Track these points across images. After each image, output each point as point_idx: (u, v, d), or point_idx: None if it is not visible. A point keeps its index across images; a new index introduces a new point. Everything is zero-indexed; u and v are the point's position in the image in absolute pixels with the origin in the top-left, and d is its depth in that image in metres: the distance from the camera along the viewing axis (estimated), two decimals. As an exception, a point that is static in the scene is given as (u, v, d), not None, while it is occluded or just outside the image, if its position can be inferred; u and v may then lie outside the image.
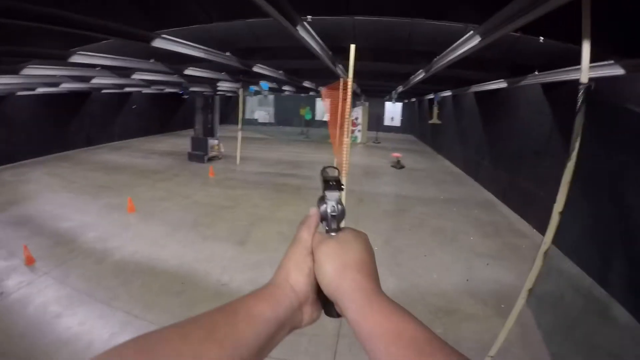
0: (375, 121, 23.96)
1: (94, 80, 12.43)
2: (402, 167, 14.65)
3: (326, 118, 17.94)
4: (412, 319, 0.61)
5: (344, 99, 7.51)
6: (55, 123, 15.31)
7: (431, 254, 7.07)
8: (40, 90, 12.73)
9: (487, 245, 7.57)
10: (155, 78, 12.80)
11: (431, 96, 17.26)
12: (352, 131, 19.28)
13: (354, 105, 18.78)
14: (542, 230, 7.38)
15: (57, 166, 13.22)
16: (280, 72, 11.83)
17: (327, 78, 11.44)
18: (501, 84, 9.49)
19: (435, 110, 16.31)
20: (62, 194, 9.96)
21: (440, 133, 18.70)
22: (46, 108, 14.71)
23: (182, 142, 14.71)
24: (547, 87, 8.33)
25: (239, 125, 14.23)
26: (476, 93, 12.94)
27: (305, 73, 12.75)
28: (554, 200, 3.53)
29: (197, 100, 14.42)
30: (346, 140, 6.94)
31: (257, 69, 9.52)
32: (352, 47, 5.73)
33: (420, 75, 8.64)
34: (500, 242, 7.74)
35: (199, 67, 11.10)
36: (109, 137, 18.66)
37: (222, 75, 12.99)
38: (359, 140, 21.10)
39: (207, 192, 10.49)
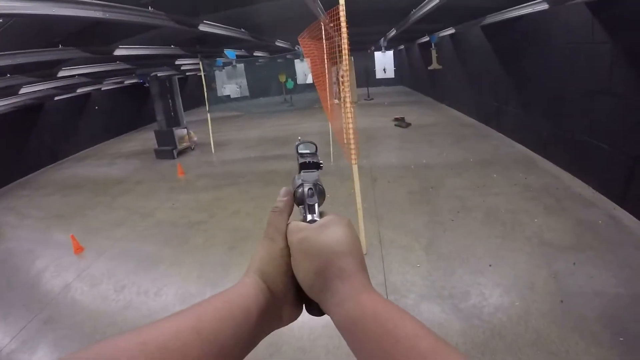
0: (364, 75, 20.91)
1: (25, 90, 9.96)
2: (408, 124, 11.99)
3: (310, 79, 15.15)
4: (413, 322, 0.49)
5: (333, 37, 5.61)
6: (9, 147, 12.66)
7: (496, 259, 4.61)
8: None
9: (557, 228, 5.26)
10: (91, 70, 10.14)
11: (425, 39, 14.49)
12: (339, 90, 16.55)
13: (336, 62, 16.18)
14: (607, 192, 6.02)
15: (16, 197, 10.61)
16: (242, 30, 9.15)
17: (303, 28, 8.91)
18: (539, 6, 6.91)
19: (434, 54, 13.56)
20: (9, 239, 7.49)
21: (441, 79, 15.79)
22: None
23: (153, 135, 12.35)
24: (600, 6, 5.89)
25: (207, 106, 11.54)
26: (485, 27, 10.22)
27: (274, 26, 10.06)
28: (621, 153, 2.40)
29: (151, 85, 11.62)
30: (346, 97, 4.78)
31: (206, 27, 7.07)
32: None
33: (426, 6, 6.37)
34: (570, 220, 5.46)
35: (131, 44, 8.47)
36: (75, 147, 16.06)
37: (173, 49, 10.28)
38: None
39: (174, 202, 7.89)
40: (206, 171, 9.83)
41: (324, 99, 8.43)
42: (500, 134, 10.15)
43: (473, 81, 12.29)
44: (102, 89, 17.01)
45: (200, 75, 11.85)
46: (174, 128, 11.76)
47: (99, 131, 17.57)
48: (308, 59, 8.85)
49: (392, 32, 11.81)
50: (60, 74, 9.51)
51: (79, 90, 14.80)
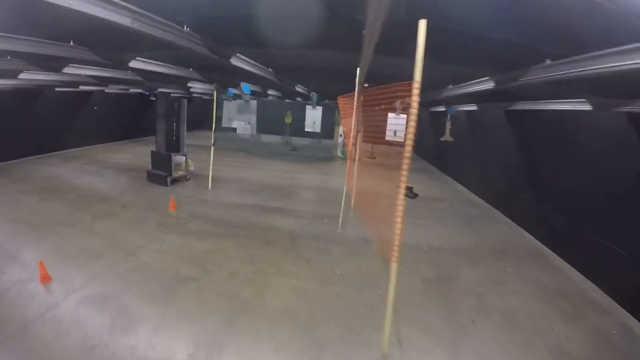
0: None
1: (24, 76, 9.24)
2: (415, 195, 11.48)
3: (317, 129, 14.71)
4: None
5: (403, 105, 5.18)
6: None
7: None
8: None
9: (575, 338, 4.95)
10: (98, 74, 9.46)
11: (441, 108, 14.21)
12: (346, 144, 16.01)
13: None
14: (619, 299, 5.82)
15: None
16: (270, 70, 8.66)
17: (333, 81, 8.44)
18: (582, 106, 6.67)
19: (448, 126, 13.24)
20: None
21: (450, 152, 15.36)
22: None
23: (147, 151, 11.53)
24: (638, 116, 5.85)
25: (212, 140, 10.88)
26: (510, 111, 9.98)
27: (302, 72, 9.62)
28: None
29: (159, 104, 10.90)
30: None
31: (237, 61, 6.65)
32: (422, 23, 3.39)
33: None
34: (586, 328, 5.18)
35: (150, 58, 7.89)
36: (63, 144, 15.19)
37: (190, 72, 9.70)
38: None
39: (162, 244, 7.04)
40: (200, 211, 9.01)
41: (349, 156, 7.95)
42: (509, 220, 9.67)
43: (485, 160, 11.90)
44: (105, 90, 16.30)
45: (207, 99, 11.24)
46: (172, 153, 11.02)
47: (92, 133, 16.71)
48: (343, 119, 8.44)
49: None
50: (66, 70, 8.83)
51: (82, 87, 14.07)
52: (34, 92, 13.15)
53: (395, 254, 4.24)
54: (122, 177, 11.75)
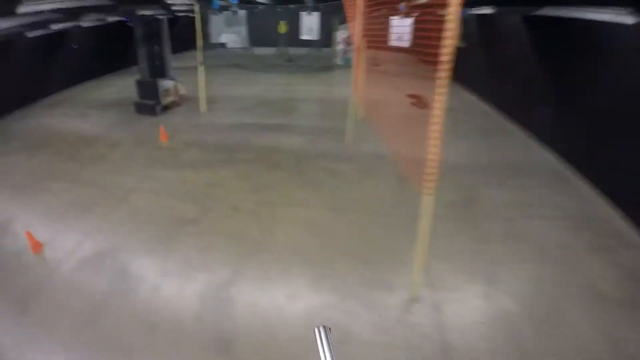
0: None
1: None
2: (425, 105, 10.21)
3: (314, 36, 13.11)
4: None
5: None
6: None
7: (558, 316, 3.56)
8: None
9: (607, 276, 4.14)
10: (61, 5, 8.16)
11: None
12: (345, 51, 14.49)
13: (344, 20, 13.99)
14: None
15: None
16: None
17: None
18: (621, 18, 5.26)
19: (460, 30, 11.52)
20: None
21: (461, 59, 13.24)
22: None
23: (134, 82, 10.55)
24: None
25: (199, 57, 9.68)
26: (530, 17, 8.37)
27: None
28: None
29: (136, 28, 9.59)
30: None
31: None
32: None
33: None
34: (618, 266, 4.31)
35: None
36: (46, 89, 13.98)
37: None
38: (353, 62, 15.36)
39: (155, 182, 6.28)
40: (195, 138, 8.14)
41: (356, 62, 6.82)
42: (523, 132, 8.48)
43: (500, 70, 10.49)
44: (82, 25, 14.79)
45: (193, 18, 9.83)
46: (158, 79, 9.93)
47: (76, 73, 15.40)
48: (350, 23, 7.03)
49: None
50: (22, 9, 7.58)
51: (54, 27, 12.65)
52: (3, 44, 11.85)
53: (430, 184, 3.38)
54: (110, 114, 10.77)
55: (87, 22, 14.16)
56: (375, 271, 4.12)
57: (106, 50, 16.97)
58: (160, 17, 9.95)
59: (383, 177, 6.08)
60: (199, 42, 9.55)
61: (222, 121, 9.15)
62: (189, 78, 11.42)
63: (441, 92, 2.99)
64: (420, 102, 10.05)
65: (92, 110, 11.35)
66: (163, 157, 7.33)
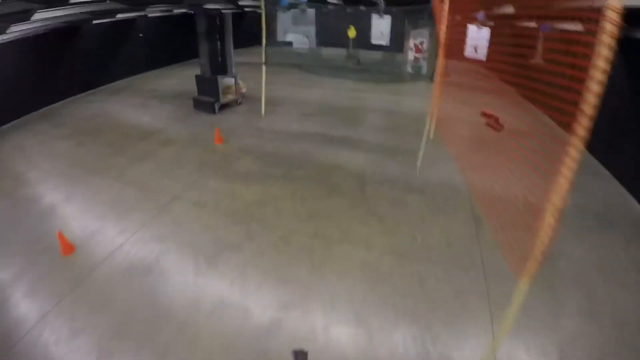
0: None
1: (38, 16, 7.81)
2: (501, 127, 8.97)
3: (385, 41, 12.08)
4: None
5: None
6: (37, 71, 10.63)
7: None
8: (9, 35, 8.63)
9: None
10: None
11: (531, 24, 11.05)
12: (416, 59, 13.35)
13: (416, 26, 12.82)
14: None
15: (32, 131, 8.76)
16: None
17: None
18: None
19: (540, 46, 10.18)
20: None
21: (538, 76, 11.69)
22: (22, 56, 10.07)
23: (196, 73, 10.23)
24: None
25: (263, 56, 9.00)
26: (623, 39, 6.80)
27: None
28: None
29: (198, 22, 9.06)
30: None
31: None
32: None
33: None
34: None
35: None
36: (110, 76, 13.92)
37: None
38: (424, 71, 13.84)
39: (202, 192, 5.59)
40: (251, 144, 7.42)
41: (439, 74, 5.83)
42: (608, 171, 6.75)
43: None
44: (148, 15, 14.64)
45: (261, 13, 9.16)
46: (219, 76, 9.34)
47: (139, 62, 15.35)
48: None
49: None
50: None
51: (119, 16, 12.53)
52: (72, 30, 11.80)
53: (532, 268, 2.41)
54: (167, 107, 10.33)
55: (153, 12, 14.01)
56: (437, 342, 3.20)
57: (171, 40, 16.82)
58: (225, 11, 9.33)
59: (457, 217, 5.06)
60: (264, 40, 8.85)
61: (282, 127, 8.38)
62: (251, 74, 10.76)
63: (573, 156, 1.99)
64: (495, 124, 8.86)
65: (151, 101, 10.99)
66: (214, 162, 6.65)
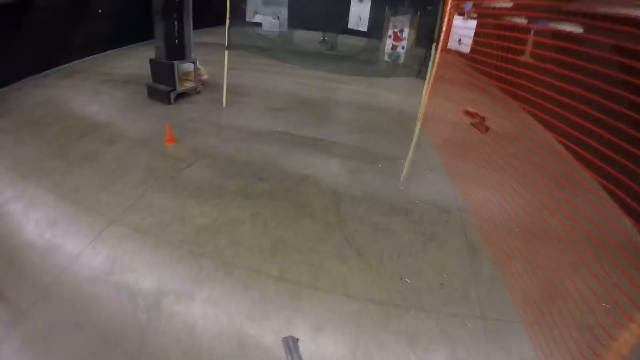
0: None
1: None
2: (487, 129, 8.12)
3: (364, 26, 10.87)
4: None
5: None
6: None
7: None
8: None
9: None
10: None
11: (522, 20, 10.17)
12: (394, 47, 12.26)
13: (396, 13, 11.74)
14: None
15: None
16: None
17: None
18: None
19: (530, 45, 9.34)
20: None
21: (526, 75, 10.80)
22: None
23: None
24: None
25: (226, 40, 7.89)
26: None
27: None
28: None
29: (153, -1, 7.91)
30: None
31: None
32: None
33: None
34: None
35: None
36: (66, 56, 12.43)
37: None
38: (401, 60, 12.98)
39: (144, 214, 4.54)
40: (208, 144, 6.34)
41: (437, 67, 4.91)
42: (600, 184, 5.72)
43: (577, 99, 8.00)
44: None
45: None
46: (175, 62, 8.17)
47: (99, 40, 13.87)
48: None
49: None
50: None
51: None
52: (22, 4, 10.36)
53: None
54: (120, 94, 9.10)
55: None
56: None
57: (134, 17, 15.31)
58: None
59: (449, 245, 4.22)
60: (227, 20, 7.70)
61: (244, 123, 7.28)
62: (215, 57, 9.61)
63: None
64: (480, 124, 7.99)
65: (104, 86, 9.74)
66: (163, 170, 5.59)
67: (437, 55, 4.90)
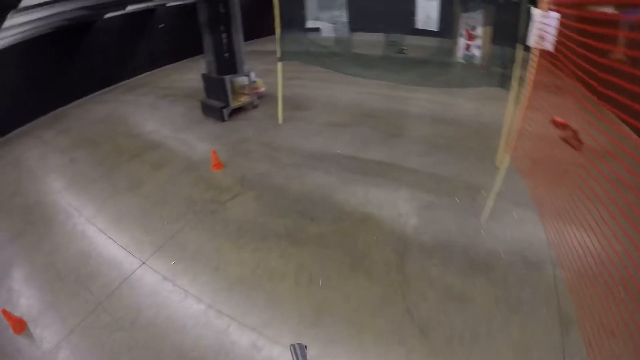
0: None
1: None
2: (580, 144, 6.58)
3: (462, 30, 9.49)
4: None
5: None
6: (47, 73, 9.66)
7: None
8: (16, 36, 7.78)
9: None
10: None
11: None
12: (468, 47, 10.77)
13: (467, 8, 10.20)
14: None
15: (36, 140, 7.90)
16: None
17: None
18: None
19: (622, 39, 7.66)
20: None
21: (620, 73, 8.87)
22: (29, 58, 9.08)
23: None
24: None
25: (277, 51, 7.15)
26: None
27: None
28: None
29: (200, 10, 7.37)
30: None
31: None
32: None
33: None
34: None
35: None
36: (128, 72, 12.68)
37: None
38: (477, 61, 10.48)
39: (178, 256, 3.99)
40: (258, 171, 5.68)
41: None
42: None
43: None
44: (167, 5, 13.24)
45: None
46: (227, 76, 7.61)
47: (161, 54, 14.00)
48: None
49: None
50: None
51: (130, 8, 11.23)
52: (84, 25, 10.67)
53: None
54: (177, 109, 8.79)
55: (172, 2, 12.53)
56: None
57: (194, 30, 15.33)
58: None
59: (537, 317, 3.13)
60: (278, 29, 6.95)
61: (300, 143, 6.53)
62: (273, 66, 9.04)
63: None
64: (573, 139, 6.54)
65: (163, 101, 9.56)
66: (205, 201, 4.97)
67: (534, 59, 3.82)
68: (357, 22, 10.78)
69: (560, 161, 4.23)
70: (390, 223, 4.37)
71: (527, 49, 4.76)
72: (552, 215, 3.73)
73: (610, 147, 2.82)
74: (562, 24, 3.66)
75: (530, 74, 3.82)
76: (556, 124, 6.22)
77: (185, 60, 14.38)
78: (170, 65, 13.94)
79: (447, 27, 10.93)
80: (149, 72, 13.19)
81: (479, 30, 10.32)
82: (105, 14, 10.89)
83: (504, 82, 5.92)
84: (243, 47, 7.71)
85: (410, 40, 12.91)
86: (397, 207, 4.64)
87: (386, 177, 5.31)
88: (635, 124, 2.84)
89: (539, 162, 4.33)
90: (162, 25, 13.79)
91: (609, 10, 4.21)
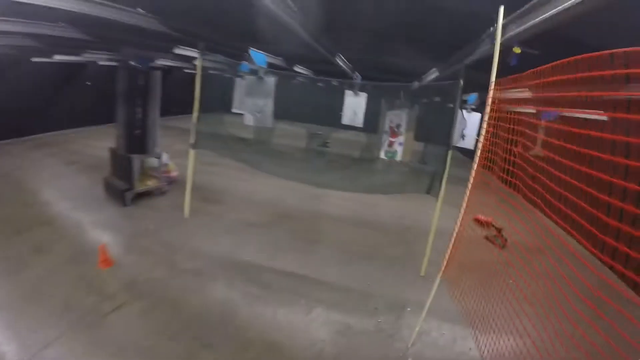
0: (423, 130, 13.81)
1: None
2: (504, 241, 6.92)
3: (359, 122, 9.80)
4: None
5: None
6: None
7: None
8: None
9: None
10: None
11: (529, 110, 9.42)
12: (390, 143, 11.19)
13: (393, 106, 10.85)
14: None
15: None
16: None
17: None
18: None
19: (541, 136, 8.42)
20: None
21: (539, 171, 9.65)
22: None
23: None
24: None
25: (192, 136, 6.83)
26: None
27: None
28: None
29: (119, 77, 6.92)
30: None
31: None
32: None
33: None
34: None
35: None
36: (44, 125, 11.97)
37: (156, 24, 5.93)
38: (398, 158, 10.82)
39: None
40: (150, 277, 5.00)
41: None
42: None
43: (595, 199, 7.00)
44: (99, 63, 12.59)
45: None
46: (135, 155, 7.08)
47: (83, 114, 13.33)
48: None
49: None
50: None
51: (57, 57, 10.66)
52: (3, 65, 10.07)
53: None
54: (81, 180, 8.06)
55: (104, 61, 12.13)
56: None
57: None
58: (153, 67, 7.23)
59: None
60: (195, 111, 6.53)
61: (206, 245, 5.98)
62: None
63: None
64: (496, 237, 6.75)
65: (68, 168, 8.85)
66: (83, 310, 4.23)
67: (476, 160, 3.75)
68: (282, 113, 10.82)
69: (484, 260, 4.12)
70: (302, 353, 3.91)
71: (458, 149, 4.89)
72: (484, 325, 3.53)
73: (530, 238, 2.80)
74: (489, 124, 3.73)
75: (471, 176, 3.74)
76: (479, 222, 6.30)
77: (106, 125, 13.55)
78: (89, 128, 13.21)
79: (372, 123, 11.37)
80: (64, 130, 12.38)
81: (403, 128, 10.76)
82: (32, 57, 10.26)
83: (431, 188, 5.96)
84: (158, 126, 7.33)
85: (335, 133, 13.24)
86: (310, 333, 4.20)
87: (299, 293, 4.90)
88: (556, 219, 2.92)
89: (463, 263, 4.17)
90: (89, 83, 13.22)
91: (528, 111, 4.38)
